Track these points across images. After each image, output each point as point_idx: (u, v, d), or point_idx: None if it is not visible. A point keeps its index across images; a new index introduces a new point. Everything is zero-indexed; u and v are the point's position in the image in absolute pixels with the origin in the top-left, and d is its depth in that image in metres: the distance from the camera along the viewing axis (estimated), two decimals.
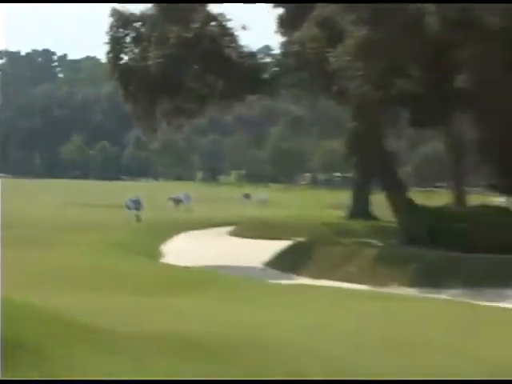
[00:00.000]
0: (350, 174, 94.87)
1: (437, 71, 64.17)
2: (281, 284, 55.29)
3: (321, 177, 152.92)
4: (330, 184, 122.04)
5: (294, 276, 60.94)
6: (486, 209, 69.93)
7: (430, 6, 61.19)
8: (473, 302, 49.73)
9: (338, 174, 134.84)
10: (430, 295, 52.52)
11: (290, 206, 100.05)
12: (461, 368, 27.12)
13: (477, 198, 78.40)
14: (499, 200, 75.38)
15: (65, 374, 24.30)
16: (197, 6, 77.13)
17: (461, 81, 61.59)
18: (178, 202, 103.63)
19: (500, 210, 69.26)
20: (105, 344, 26.63)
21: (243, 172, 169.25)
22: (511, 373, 26.33)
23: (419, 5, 61.28)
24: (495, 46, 59.30)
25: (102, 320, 30.25)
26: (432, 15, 60.21)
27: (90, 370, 23.99)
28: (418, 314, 43.10)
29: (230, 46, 76.37)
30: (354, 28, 63.57)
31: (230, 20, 77.90)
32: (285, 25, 75.77)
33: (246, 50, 78.81)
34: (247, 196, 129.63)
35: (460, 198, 76.37)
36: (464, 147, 77.33)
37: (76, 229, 69.57)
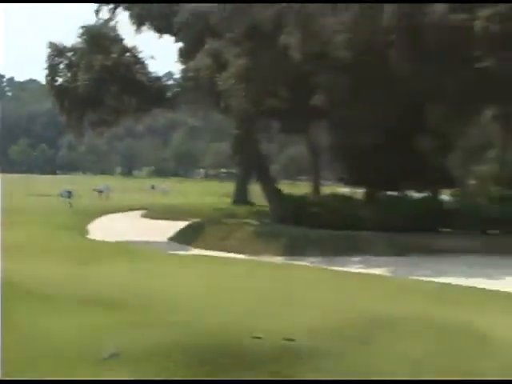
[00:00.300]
0: (233, 170, 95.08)
1: (298, 92, 65.79)
2: (179, 254, 57.23)
3: (211, 172, 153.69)
4: (218, 178, 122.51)
5: (190, 248, 61.76)
6: (335, 197, 71.92)
7: (293, 42, 62.26)
8: (325, 266, 51.81)
9: (224, 170, 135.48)
10: (293, 262, 54.05)
11: (187, 195, 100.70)
12: (300, 312, 29.87)
13: (329, 188, 79.23)
14: (345, 190, 77.09)
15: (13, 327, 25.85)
16: (115, 40, 77.94)
17: (316, 99, 63.13)
18: (100, 191, 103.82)
19: (345, 198, 71.40)
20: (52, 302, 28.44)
21: (152, 168, 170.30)
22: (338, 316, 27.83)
23: (285, 41, 62.35)
24: (343, 73, 60.79)
25: (38, 282, 32.05)
26: (296, 50, 61.48)
27: (29, 323, 25.67)
28: (281, 275, 45.24)
29: (141, 72, 77.09)
30: (236, 59, 65.03)
31: (141, 51, 78.81)
32: (183, 55, 76.70)
33: (153, 75, 79.36)
34: (153, 187, 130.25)
35: (316, 188, 77.42)
36: (319, 149, 78.66)
37: (21, 212, 70.12)
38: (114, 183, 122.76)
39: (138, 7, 78.72)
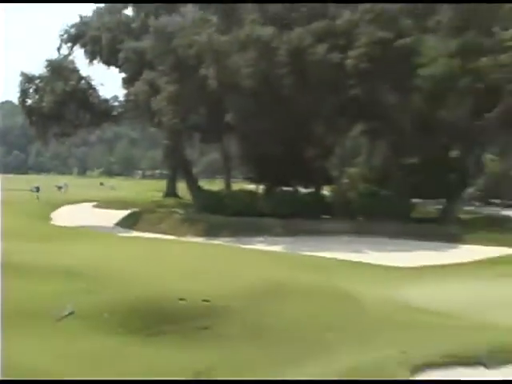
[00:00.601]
0: (165, 171, 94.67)
1: (215, 111, 66.24)
2: (123, 235, 57.58)
3: (147, 173, 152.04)
4: (153, 177, 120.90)
5: (132, 231, 61.78)
6: (242, 191, 71.44)
7: (210, 74, 62.73)
8: (234, 244, 52.68)
9: (158, 171, 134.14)
10: (210, 241, 54.70)
11: (129, 190, 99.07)
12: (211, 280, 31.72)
13: (238, 185, 77.89)
14: (251, 186, 76.54)
15: None
16: (73, 70, 78.08)
17: (228, 117, 63.90)
18: (59, 187, 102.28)
19: (250, 192, 71.34)
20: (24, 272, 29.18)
21: (102, 169, 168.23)
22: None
23: (204, 72, 62.81)
24: (248, 97, 61.14)
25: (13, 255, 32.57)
26: (213, 79, 61.99)
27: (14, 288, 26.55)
28: (201, 251, 46.01)
29: (93, 95, 77.11)
30: (166, 86, 65.32)
31: (93, 79, 78.74)
32: (126, 83, 76.59)
33: (102, 97, 79.24)
34: (102, 184, 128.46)
35: (228, 185, 76.64)
36: (230, 155, 78.16)
37: None
38: (72, 181, 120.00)
39: (90, 45, 78.56)
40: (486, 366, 18.69)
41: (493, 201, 76.83)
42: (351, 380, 12.73)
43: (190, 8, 69.66)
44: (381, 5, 63.25)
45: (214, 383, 13.60)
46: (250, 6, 68.55)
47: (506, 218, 60.24)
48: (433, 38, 64.78)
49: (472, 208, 68.16)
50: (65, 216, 67.80)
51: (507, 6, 63.99)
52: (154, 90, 67.25)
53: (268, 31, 61.93)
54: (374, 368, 18.68)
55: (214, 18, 67.99)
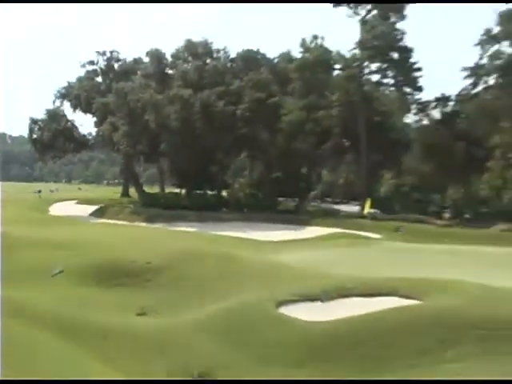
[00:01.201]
0: (122, 180, 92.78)
1: (154, 142, 65.30)
2: (95, 221, 56.24)
3: (111, 181, 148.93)
4: (114, 184, 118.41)
5: (101, 219, 59.27)
6: (171, 193, 70.43)
7: (150, 118, 62.28)
8: (167, 227, 52.19)
9: (117, 180, 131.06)
10: (150, 225, 54.04)
11: (99, 193, 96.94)
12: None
13: (168, 189, 76.60)
14: (176, 190, 75.11)
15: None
16: (63, 115, 76.38)
17: (162, 146, 63.47)
18: (52, 191, 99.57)
19: (176, 194, 69.82)
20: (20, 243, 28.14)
21: (81, 179, 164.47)
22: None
23: (147, 117, 62.28)
24: (175, 133, 60.74)
25: (18, 234, 31.56)
26: (152, 122, 61.52)
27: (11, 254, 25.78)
28: (144, 231, 45.54)
29: (76, 132, 75.79)
30: (122, 126, 64.48)
31: (76, 122, 77.81)
32: (97, 124, 74.46)
33: (82, 133, 78.05)
34: (80, 188, 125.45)
35: (162, 189, 75.41)
36: (164, 169, 77.10)
37: (12, 201, 66.85)
38: (61, 187, 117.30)
39: (74, 100, 76.62)
40: (322, 301, 18.87)
41: (327, 199, 77.81)
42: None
43: (138, 77, 70.02)
44: (259, 76, 64.06)
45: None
46: (175, 75, 68.71)
47: (335, 210, 61.12)
48: (290, 98, 65.73)
49: (315, 204, 68.89)
50: (57, 209, 66.09)
51: (337, 77, 65.55)
52: (115, 128, 66.49)
53: (187, 92, 62.20)
54: (253, 303, 18.75)
55: (153, 83, 68.02)
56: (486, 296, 17.02)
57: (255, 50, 71.72)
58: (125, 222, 56.14)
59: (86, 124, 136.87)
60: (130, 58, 79.69)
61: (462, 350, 14.15)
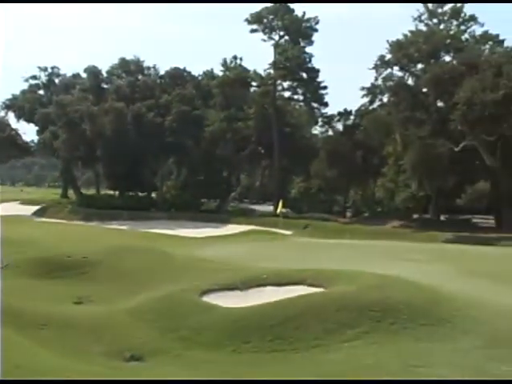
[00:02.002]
0: (61, 183, 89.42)
1: (89, 148, 63.69)
2: (37, 220, 55.00)
3: (51, 184, 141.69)
4: (54, 186, 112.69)
5: (42, 218, 57.76)
6: (106, 194, 69.44)
7: (88, 128, 60.89)
8: (102, 225, 51.11)
9: (57, 183, 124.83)
10: (88, 223, 53.05)
11: (40, 194, 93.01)
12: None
13: (104, 191, 76.33)
14: (111, 192, 73.38)
15: None
16: (7, 125, 73.46)
17: (98, 152, 62.24)
18: None
19: (111, 195, 68.38)
20: None
21: (23, 182, 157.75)
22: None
23: (84, 127, 60.99)
24: (109, 140, 59.65)
25: None
26: (89, 131, 60.26)
27: None
28: (82, 229, 44.50)
29: (19, 140, 72.85)
30: (61, 135, 63.12)
31: (17, 129, 74.99)
32: (39, 133, 72.05)
33: (25, 141, 75.09)
34: (22, 190, 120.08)
35: (98, 191, 74.65)
36: (99, 172, 75.17)
37: None
38: (5, 189, 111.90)
39: (18, 111, 74.18)
40: (240, 289, 19.04)
41: (245, 200, 78.23)
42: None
43: (76, 91, 69.23)
44: (185, 91, 63.95)
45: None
46: (110, 89, 67.66)
47: (252, 210, 61.50)
48: (212, 110, 66.00)
49: (234, 204, 69.15)
50: (3, 209, 63.68)
51: (254, 93, 66.32)
52: (55, 136, 65.24)
53: (121, 104, 61.64)
54: (180, 293, 18.72)
55: (90, 96, 66.94)
56: (379, 283, 17.58)
57: (182, 68, 71.91)
58: (64, 221, 54.94)
59: (28, 132, 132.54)
60: (69, 73, 79.05)
61: (359, 330, 14.59)
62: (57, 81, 79.26)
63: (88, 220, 55.83)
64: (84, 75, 74.14)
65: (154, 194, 68.66)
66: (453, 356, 12.56)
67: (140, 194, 67.73)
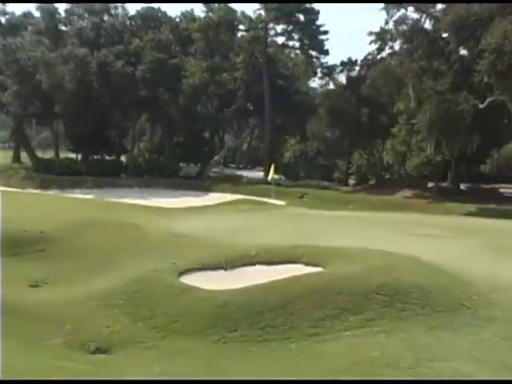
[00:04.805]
0: (12, 144, 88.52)
1: (47, 103, 63.19)
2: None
3: (1, 145, 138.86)
4: (4, 148, 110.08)
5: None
6: (66, 158, 67.67)
7: (43, 79, 60.13)
8: (62, 194, 50.93)
9: (7, 144, 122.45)
10: (45, 192, 52.75)
11: None
12: None
13: (64, 154, 75.57)
14: (72, 155, 72.81)
15: None
16: None
17: (57, 108, 61.56)
18: None
19: (71, 159, 66.31)
20: None
21: None
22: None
23: (38, 78, 60.07)
24: (70, 94, 59.12)
25: None
26: (45, 82, 59.44)
27: None
28: (39, 198, 44.09)
29: None
30: (12, 85, 61.92)
31: None
32: None
33: None
34: None
35: (57, 153, 73.48)
36: (58, 132, 74.52)
37: None
38: None
39: None
40: (225, 269, 19.05)
41: (230, 165, 78.11)
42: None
43: (28, 33, 67.24)
44: (159, 36, 63.32)
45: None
46: (70, 32, 66.79)
47: (238, 176, 61.58)
48: (192, 59, 65.48)
49: (218, 169, 69.08)
50: None
51: (242, 38, 65.81)
52: (4, 88, 63.40)
53: (83, 50, 60.62)
54: (154, 273, 18.70)
55: (46, 40, 65.61)
56: (387, 262, 17.69)
57: (155, 7, 70.81)
58: (17, 189, 53.79)
59: None
60: (18, 12, 76.67)
61: (363, 317, 14.69)
62: (3, 20, 77.06)
63: (45, 188, 55.45)
64: (37, 14, 72.04)
65: (123, 158, 68.37)
66: (474, 348, 12.56)
67: (107, 157, 67.33)
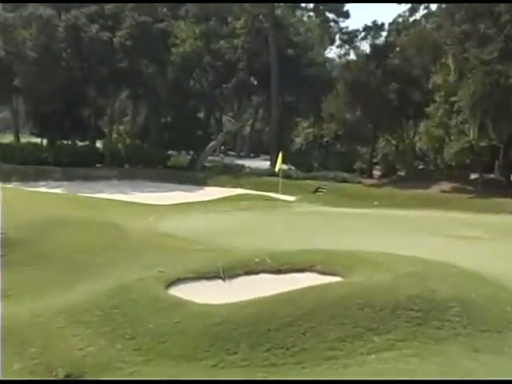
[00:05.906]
0: None
1: (3, 76, 63.15)
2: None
3: None
4: None
5: None
6: (29, 144, 67.30)
7: None
8: (23, 188, 50.96)
9: None
10: (2, 185, 52.92)
11: None
12: None
13: (25, 138, 75.03)
14: (37, 139, 72.57)
15: None
16: None
17: (16, 81, 61.56)
18: None
19: (35, 144, 66.76)
20: None
21: None
22: None
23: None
24: (32, 65, 59.20)
25: None
26: (0, 49, 59.59)
27: None
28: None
29: None
30: None
31: None
32: None
33: None
34: None
35: (17, 138, 73.39)
36: (18, 113, 74.51)
37: None
38: None
39: None
40: (223, 279, 19.07)
41: (230, 152, 78.28)
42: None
43: None
44: None
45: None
46: None
47: (239, 166, 61.61)
48: (183, 24, 65.42)
49: (216, 158, 69.20)
50: None
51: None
52: None
53: (48, 11, 60.74)
54: (137, 284, 18.67)
55: None
56: (419, 271, 17.72)
57: None
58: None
59: None
60: None
61: (390, 337, 14.70)
62: None
63: (5, 180, 54.93)
64: None
65: (99, 144, 68.57)
66: None
67: (79, 143, 67.61)
